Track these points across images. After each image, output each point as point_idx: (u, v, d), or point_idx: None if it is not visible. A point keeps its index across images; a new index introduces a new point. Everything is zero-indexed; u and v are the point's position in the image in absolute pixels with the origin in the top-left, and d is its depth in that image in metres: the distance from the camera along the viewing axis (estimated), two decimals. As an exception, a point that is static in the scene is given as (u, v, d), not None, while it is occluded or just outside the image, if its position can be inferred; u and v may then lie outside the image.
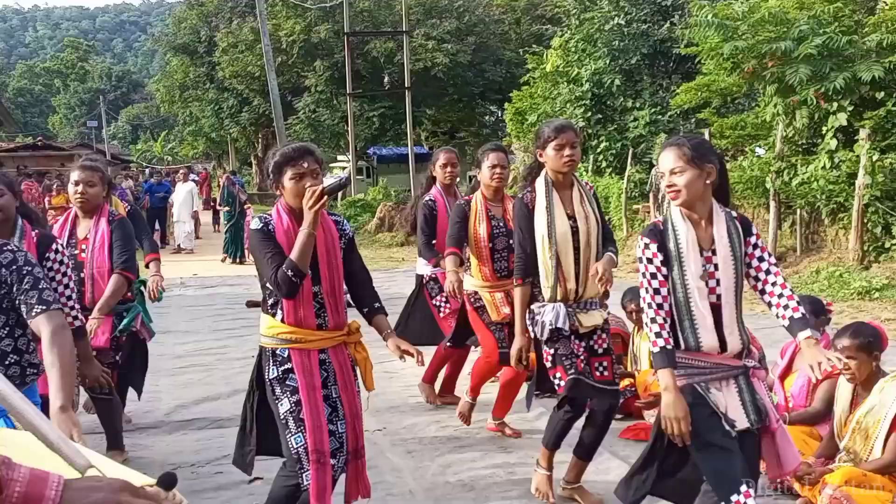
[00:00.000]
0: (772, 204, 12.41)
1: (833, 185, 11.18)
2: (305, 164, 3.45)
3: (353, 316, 3.72)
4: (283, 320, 3.51)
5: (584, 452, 4.40)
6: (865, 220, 10.81)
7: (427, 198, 6.08)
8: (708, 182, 3.25)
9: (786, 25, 11.46)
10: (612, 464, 4.90)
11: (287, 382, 3.49)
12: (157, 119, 56.52)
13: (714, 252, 3.25)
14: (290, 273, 3.35)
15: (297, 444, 3.44)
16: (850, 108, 11.11)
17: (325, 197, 3.38)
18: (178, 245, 19.55)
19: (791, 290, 3.29)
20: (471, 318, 5.45)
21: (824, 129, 11.43)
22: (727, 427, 3.17)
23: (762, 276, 3.31)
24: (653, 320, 3.24)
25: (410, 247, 18.97)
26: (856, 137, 10.89)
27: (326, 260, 3.52)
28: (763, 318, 9.38)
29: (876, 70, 10.67)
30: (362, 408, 3.67)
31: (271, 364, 3.53)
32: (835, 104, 11.18)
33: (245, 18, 33.46)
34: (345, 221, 3.73)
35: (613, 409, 4.40)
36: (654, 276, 3.25)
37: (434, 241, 5.90)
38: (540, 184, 4.25)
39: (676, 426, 3.17)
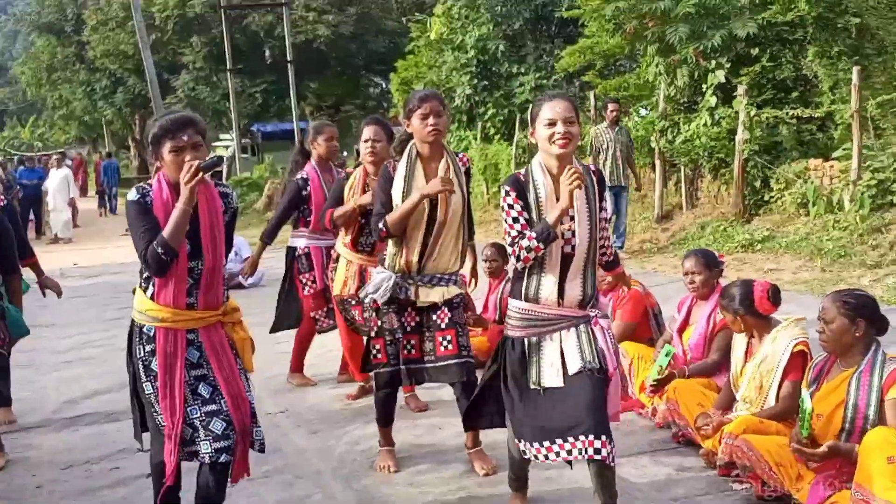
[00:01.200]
0: (657, 163, 12.68)
1: (714, 141, 11.48)
2: (185, 137, 3.28)
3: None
4: (152, 297, 3.38)
5: (469, 422, 4.24)
6: (746, 175, 11.15)
7: (300, 176, 5.88)
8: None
9: (664, -15, 11.64)
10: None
11: (151, 367, 3.40)
12: (23, 104, 53.70)
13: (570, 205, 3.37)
14: (160, 251, 3.23)
15: (163, 422, 3.41)
16: (728, 66, 11.41)
17: (201, 173, 3.23)
18: (56, 234, 18.71)
19: (608, 241, 3.68)
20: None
21: (704, 86, 11.71)
22: (532, 385, 3.43)
23: (602, 227, 3.54)
24: (513, 248, 3.38)
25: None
26: (734, 94, 11.19)
27: (210, 234, 3.37)
28: (655, 275, 9.61)
29: (750, 27, 10.97)
30: (251, 386, 3.56)
31: (138, 342, 3.44)
32: (713, 62, 11.46)
33: (114, -6, 32.08)
34: (233, 194, 3.56)
35: (472, 384, 4.20)
36: (516, 219, 3.40)
37: (307, 218, 5.89)
38: (405, 154, 4.20)
39: (573, 182, 3.30)
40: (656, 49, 12.06)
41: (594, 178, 3.49)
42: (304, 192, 5.82)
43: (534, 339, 3.46)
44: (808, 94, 11.49)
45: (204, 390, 3.41)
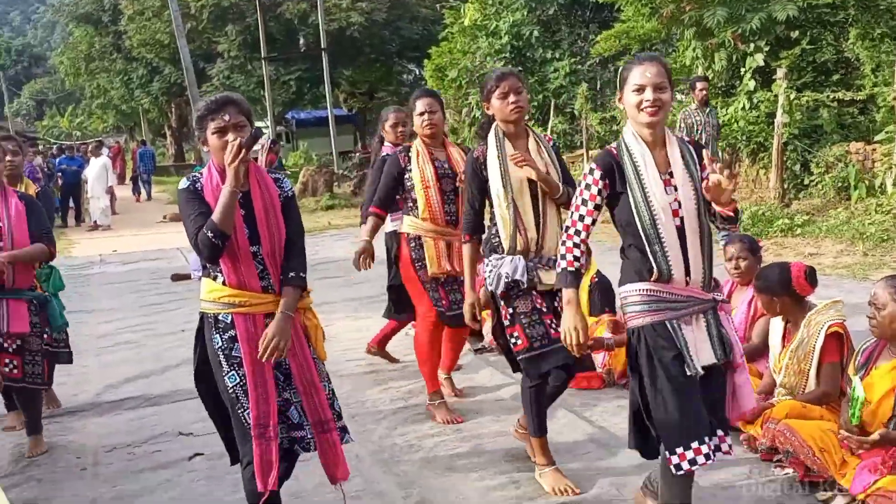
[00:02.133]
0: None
1: (753, 125, 11.34)
2: (227, 117, 3.20)
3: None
4: (224, 283, 3.26)
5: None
6: (785, 159, 11.00)
7: (383, 154, 5.77)
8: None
9: (701, -32, 11.51)
10: (566, 419, 4.87)
11: (233, 354, 3.24)
12: (62, 93, 54.40)
13: (671, 175, 3.14)
14: (210, 234, 3.14)
15: (250, 419, 3.21)
16: (767, 49, 11.25)
17: (244, 151, 3.15)
18: (95, 221, 18.94)
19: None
20: (404, 274, 5.17)
21: (742, 70, 11.56)
22: (690, 372, 3.07)
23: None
24: (568, 240, 3.21)
25: (336, 210, 18.74)
26: (773, 77, 11.03)
27: (266, 219, 3.27)
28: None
29: (790, 9, 10.80)
30: (328, 376, 3.46)
31: (214, 332, 3.27)
32: (751, 45, 11.31)
33: (150, -16, 32.31)
34: (285, 180, 3.47)
35: (571, 368, 4.04)
36: (584, 202, 3.19)
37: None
38: (491, 137, 4.09)
39: (572, 336, 3.21)
40: (693, 33, 11.92)
41: (691, 148, 3.22)
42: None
43: (675, 321, 3.12)
44: (850, 77, 11.31)
45: (279, 378, 3.31)
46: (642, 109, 3.11)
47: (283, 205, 3.35)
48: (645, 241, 3.11)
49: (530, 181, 4.00)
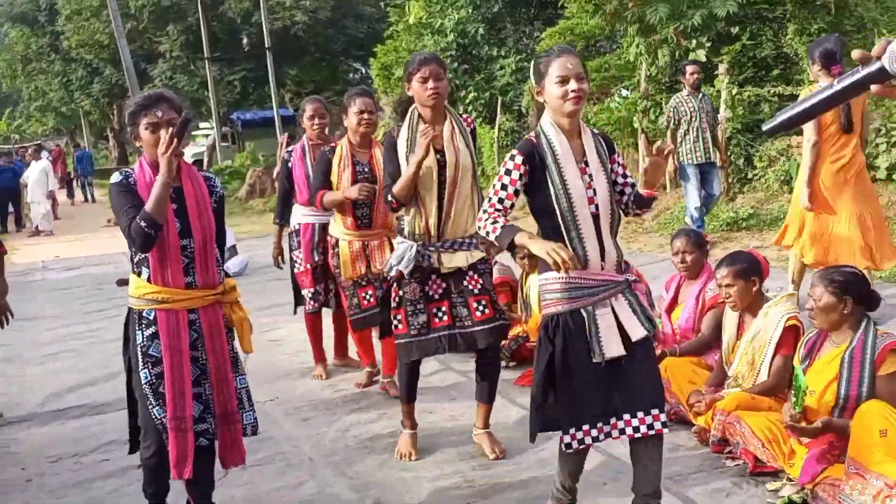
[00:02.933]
0: (640, 143, 12.67)
1: (696, 120, 11.47)
2: (160, 113, 3.29)
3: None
4: (149, 279, 3.34)
5: (484, 395, 4.36)
6: (728, 154, 11.16)
7: (286, 151, 5.95)
8: None
9: (643, -35, 11.62)
10: (511, 411, 4.89)
11: (150, 352, 3.35)
12: (-1, 96, 53.25)
13: (587, 163, 3.28)
14: (143, 224, 3.19)
15: (159, 415, 3.35)
16: (709, 45, 11.40)
17: (177, 141, 3.20)
18: (36, 227, 18.52)
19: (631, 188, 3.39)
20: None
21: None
22: (596, 359, 3.19)
23: (626, 189, 3.38)
24: (488, 217, 3.21)
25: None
26: (715, 73, 11.18)
27: (197, 212, 3.37)
28: (641, 255, 9.62)
29: (730, 5, 10.96)
30: (243, 369, 3.58)
31: (137, 328, 3.37)
32: (693, 41, 11.45)
33: (88, -17, 31.69)
34: (215, 179, 3.58)
35: (498, 349, 4.41)
36: (504, 186, 3.25)
37: (294, 195, 5.82)
38: (407, 117, 4.15)
39: (558, 253, 3.04)
40: (637, 29, 12.03)
41: (602, 141, 3.37)
42: (288, 166, 5.80)
43: (589, 308, 3.23)
44: (789, 72, 11.51)
45: (193, 373, 3.40)
46: (567, 99, 3.21)
47: (217, 206, 3.48)
48: (563, 228, 3.22)
49: (440, 165, 4.05)
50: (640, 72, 12.54)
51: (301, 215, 5.77)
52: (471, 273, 4.19)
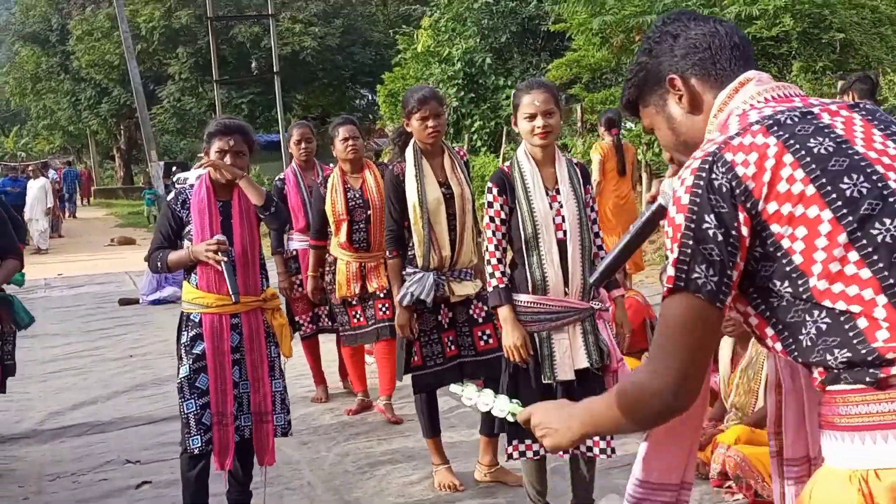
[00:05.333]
0: (643, 175, 12.72)
1: (657, 156, 11.56)
2: (232, 142, 3.64)
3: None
4: (196, 285, 3.66)
5: (489, 429, 4.34)
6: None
7: (277, 178, 6.02)
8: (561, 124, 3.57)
9: None
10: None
11: (192, 350, 3.63)
12: (7, 113, 53.36)
13: (558, 191, 3.49)
14: (159, 264, 3.72)
15: (187, 409, 3.61)
16: (714, 80, 11.49)
17: (220, 250, 3.52)
18: (36, 245, 18.59)
19: (603, 247, 3.62)
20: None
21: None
22: (545, 380, 3.44)
23: (591, 224, 3.59)
24: (492, 258, 3.50)
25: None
26: (719, 108, 11.26)
27: (240, 223, 3.67)
28: (642, 287, 9.62)
29: (736, 42, 11.06)
30: (281, 372, 3.83)
31: (183, 329, 3.68)
32: (699, 75, 11.53)
33: (99, 5, 32.00)
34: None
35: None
36: (492, 219, 3.50)
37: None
38: (409, 153, 4.20)
39: (516, 353, 3.43)
40: (643, 63, 12.12)
41: (577, 170, 3.60)
42: (283, 192, 5.86)
43: (543, 333, 3.46)
44: (794, 109, 11.59)
45: (234, 374, 3.67)
46: (535, 134, 3.46)
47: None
48: (525, 253, 3.45)
49: (446, 198, 4.12)
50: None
51: (298, 241, 5.84)
52: (476, 301, 4.23)
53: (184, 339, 3.68)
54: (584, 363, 3.44)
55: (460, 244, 4.17)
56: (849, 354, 1.39)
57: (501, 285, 3.47)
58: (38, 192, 18.86)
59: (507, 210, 3.50)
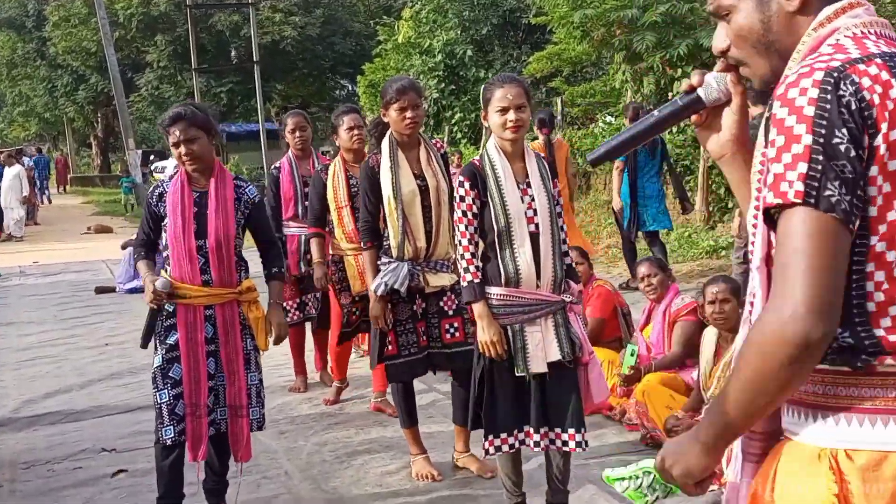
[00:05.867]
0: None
1: (679, 148, 11.60)
2: (177, 132, 3.58)
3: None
4: (171, 276, 3.63)
5: (462, 418, 4.36)
6: (710, 182, 11.28)
7: (274, 166, 5.98)
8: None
9: (632, -7, 11.77)
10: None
11: (166, 340, 3.62)
12: (-18, 99, 52.89)
13: (529, 185, 3.50)
14: (137, 264, 3.81)
15: (160, 399, 3.60)
16: (694, 74, 11.54)
17: (154, 297, 3.58)
18: (9, 233, 18.41)
19: (566, 241, 3.65)
20: (331, 295, 5.44)
21: (670, 94, 11.82)
22: (519, 373, 3.45)
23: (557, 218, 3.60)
24: (466, 252, 3.48)
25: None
26: (699, 102, 11.31)
27: (216, 214, 3.62)
28: (621, 279, 9.66)
29: (716, 36, 11.11)
30: (257, 366, 3.78)
31: (159, 318, 3.66)
32: (679, 70, 11.58)
33: (77, -10, 31.62)
34: (249, 187, 3.81)
35: (467, 370, 4.24)
36: (464, 213, 3.49)
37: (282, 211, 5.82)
38: (385, 144, 4.19)
39: (492, 348, 3.44)
40: (623, 57, 12.16)
41: (545, 164, 3.62)
42: (277, 180, 5.84)
43: (516, 326, 3.47)
44: (772, 104, 11.67)
45: (210, 366, 3.65)
46: (506, 128, 3.45)
47: (249, 210, 3.75)
48: (498, 246, 3.46)
49: (421, 189, 4.12)
50: (625, 98, 12.66)
51: (285, 228, 5.79)
52: (448, 293, 4.23)
53: (158, 328, 3.66)
54: (556, 355, 3.45)
55: (436, 236, 4.16)
56: (849, 339, 1.37)
57: (476, 280, 3.46)
58: (12, 179, 18.65)
59: (478, 204, 3.50)
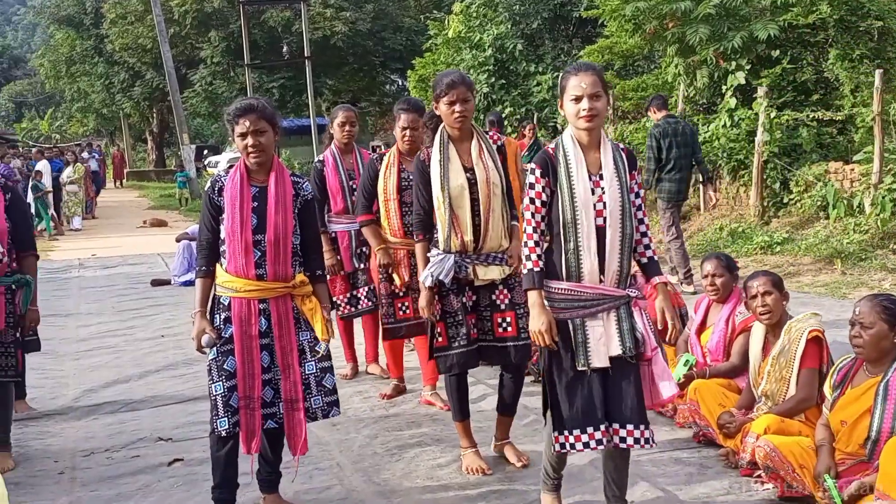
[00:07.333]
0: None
1: (733, 142, 11.44)
2: (247, 123, 3.62)
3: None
4: (226, 269, 3.68)
5: (506, 408, 4.41)
6: (765, 177, 11.11)
7: (317, 159, 6.01)
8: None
9: (685, -14, 11.61)
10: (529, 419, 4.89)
11: (222, 334, 3.65)
12: (42, 96, 53.92)
13: (601, 177, 3.39)
14: (197, 259, 3.82)
15: (215, 391, 3.64)
16: (748, 67, 11.36)
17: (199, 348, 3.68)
18: (71, 227, 18.85)
19: (650, 234, 3.52)
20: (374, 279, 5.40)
21: (724, 88, 11.67)
22: (580, 367, 3.37)
23: (636, 211, 3.47)
24: (529, 240, 3.42)
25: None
26: (754, 96, 11.14)
27: (275, 210, 3.66)
28: (672, 276, 9.57)
29: (771, 28, 10.92)
30: (315, 355, 3.78)
31: (215, 311, 3.71)
32: (733, 63, 11.41)
33: (133, -12, 32.16)
34: (305, 183, 3.84)
35: (522, 367, 4.40)
36: (532, 200, 3.42)
37: (326, 204, 5.86)
38: (437, 138, 4.22)
39: (541, 338, 3.38)
40: (676, 50, 12.01)
41: (624, 156, 3.47)
42: (322, 173, 5.88)
43: (577, 320, 3.40)
44: (829, 97, 11.43)
45: (265, 359, 3.69)
46: (580, 117, 3.37)
47: (301, 207, 3.77)
48: (562, 238, 3.38)
49: (470, 183, 4.12)
50: (677, 92, 12.52)
51: (336, 223, 5.85)
52: (501, 287, 4.22)
53: (216, 321, 3.69)
54: (617, 350, 3.37)
55: (486, 229, 4.15)
56: None
57: (536, 269, 3.39)
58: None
59: (548, 192, 3.41)
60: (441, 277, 4.12)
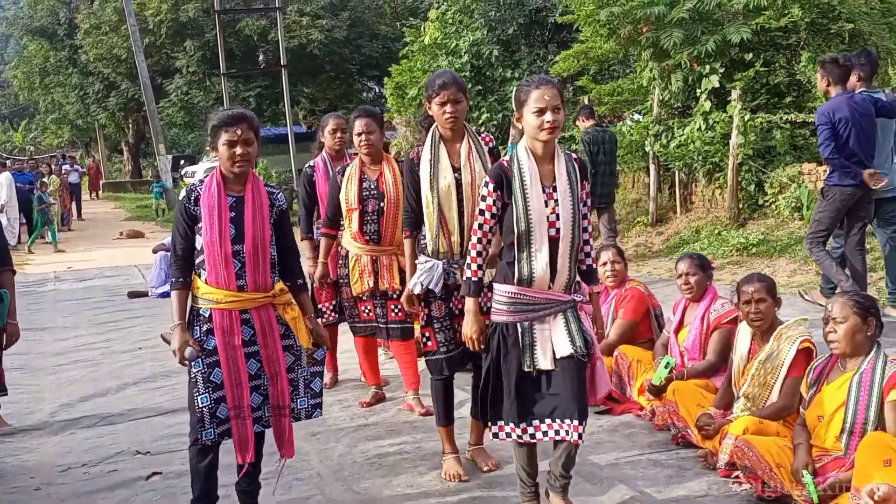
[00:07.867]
0: (651, 167, 12.71)
1: (708, 145, 11.51)
2: (239, 132, 3.61)
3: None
4: (206, 281, 3.65)
5: (476, 412, 4.40)
6: (740, 179, 11.18)
7: (307, 165, 6.03)
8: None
9: (658, -10, 11.67)
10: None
11: (204, 346, 3.64)
12: (16, 107, 53.48)
13: (555, 189, 3.53)
14: (171, 271, 3.80)
15: (201, 403, 3.61)
16: (722, 71, 11.44)
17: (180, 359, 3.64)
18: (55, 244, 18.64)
19: (592, 242, 3.72)
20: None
21: (698, 91, 11.73)
22: (526, 368, 3.54)
23: (582, 219, 3.63)
24: (472, 250, 3.62)
25: (296, 227, 18.62)
26: (728, 99, 11.22)
27: (252, 221, 3.66)
28: (650, 278, 9.63)
29: (744, 32, 11.00)
30: (305, 361, 3.85)
31: (195, 323, 3.68)
32: (707, 67, 11.48)
33: (107, -2, 31.98)
34: (279, 194, 3.85)
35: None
36: (482, 212, 3.58)
37: (316, 210, 5.91)
38: (428, 139, 4.25)
39: (472, 343, 3.70)
40: (650, 54, 12.08)
41: (576, 166, 3.62)
42: (312, 179, 5.90)
43: (525, 323, 3.56)
44: (802, 99, 11.52)
45: (252, 367, 3.69)
46: (542, 129, 3.48)
47: (277, 217, 3.77)
48: (516, 248, 3.52)
49: (457, 183, 4.15)
50: (652, 96, 12.59)
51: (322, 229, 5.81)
52: (486, 291, 4.22)
53: (197, 333, 3.66)
54: (567, 350, 3.50)
55: (470, 231, 4.15)
56: None
57: (475, 278, 3.62)
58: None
59: (499, 205, 3.56)
60: (431, 286, 4.16)
